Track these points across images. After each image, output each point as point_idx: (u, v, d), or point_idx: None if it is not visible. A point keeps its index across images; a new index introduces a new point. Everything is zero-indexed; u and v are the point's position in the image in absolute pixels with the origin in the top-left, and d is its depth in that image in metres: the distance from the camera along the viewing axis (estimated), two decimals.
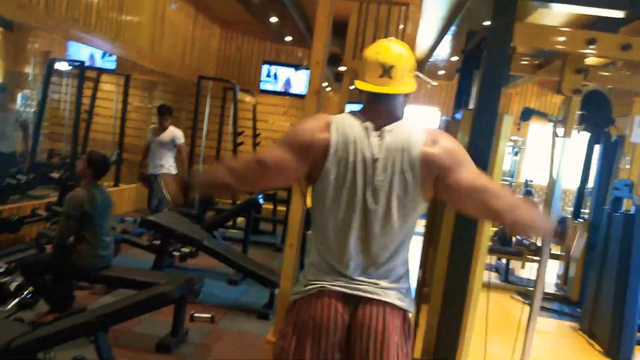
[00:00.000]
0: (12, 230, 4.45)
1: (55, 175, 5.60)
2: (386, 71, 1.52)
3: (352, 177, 1.50)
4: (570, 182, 6.63)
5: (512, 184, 7.17)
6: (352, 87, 1.65)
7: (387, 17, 2.82)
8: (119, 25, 6.17)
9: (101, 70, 7.38)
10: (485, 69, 2.11)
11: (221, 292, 4.45)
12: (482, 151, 2.09)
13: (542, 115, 6.02)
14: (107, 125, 8.02)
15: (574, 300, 5.23)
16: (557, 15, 5.65)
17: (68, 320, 2.53)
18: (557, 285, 5.83)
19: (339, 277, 1.55)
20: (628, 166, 4.72)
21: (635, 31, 4.89)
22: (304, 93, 7.72)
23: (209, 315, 3.78)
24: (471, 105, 2.72)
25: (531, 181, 7.45)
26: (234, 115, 7.88)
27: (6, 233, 4.52)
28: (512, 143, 9.33)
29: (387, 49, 1.54)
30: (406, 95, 1.60)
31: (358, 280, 1.54)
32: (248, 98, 8.56)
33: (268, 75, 8.93)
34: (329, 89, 10.02)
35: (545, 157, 2.63)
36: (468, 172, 1.51)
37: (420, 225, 2.87)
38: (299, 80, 8.81)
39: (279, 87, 8.93)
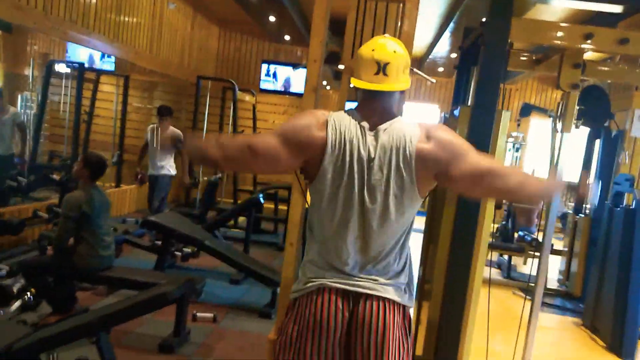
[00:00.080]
0: (14, 232, 4.46)
1: (56, 176, 5.61)
2: (381, 68, 1.52)
3: (349, 176, 1.50)
4: (571, 177, 6.63)
5: None
6: (351, 86, 1.64)
7: (385, 14, 2.81)
8: (117, 26, 6.17)
9: (100, 72, 7.39)
10: (482, 65, 2.11)
11: (223, 291, 4.45)
12: (480, 147, 2.07)
13: (542, 110, 6.02)
14: (107, 126, 8.03)
15: (577, 296, 5.23)
16: (555, 10, 5.65)
17: (70, 321, 2.53)
18: (559, 280, 5.83)
19: (338, 274, 1.55)
20: (627, 160, 4.71)
21: (634, 25, 4.88)
22: (303, 92, 7.76)
23: (211, 315, 3.78)
24: (469, 102, 2.72)
25: None
26: (233, 115, 7.89)
27: (8, 235, 4.53)
28: (512, 139, 9.33)
29: (382, 47, 1.54)
30: (402, 92, 1.61)
31: (357, 277, 1.55)
32: (248, 97, 8.57)
33: (267, 75, 8.93)
34: (328, 87, 10.02)
35: (546, 152, 2.63)
36: (469, 160, 1.50)
37: (421, 222, 2.88)
38: (298, 79, 8.80)
39: (279, 86, 8.93)
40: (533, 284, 2.72)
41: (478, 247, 2.27)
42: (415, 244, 2.97)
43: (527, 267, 6.19)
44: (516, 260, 6.30)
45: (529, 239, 5.68)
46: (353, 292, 1.54)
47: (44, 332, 2.45)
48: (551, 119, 2.68)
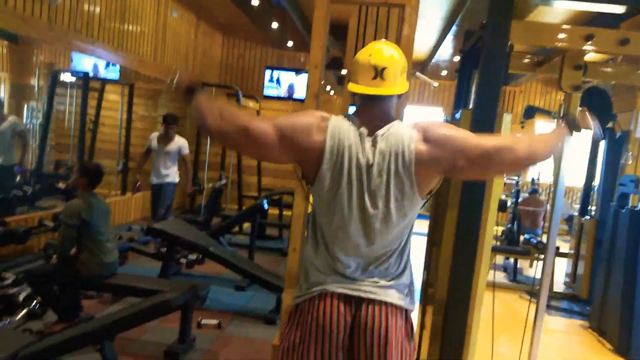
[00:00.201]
0: (20, 241, 4.48)
1: (61, 185, 5.64)
2: (379, 73, 1.53)
3: (348, 182, 1.51)
4: (576, 179, 6.60)
5: (519, 182, 7.13)
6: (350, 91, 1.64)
7: (387, 19, 2.82)
8: (121, 35, 6.22)
9: (105, 81, 7.44)
10: (482, 68, 2.10)
11: (228, 298, 4.45)
12: None
13: (546, 112, 6.00)
14: (113, 134, 8.07)
15: (583, 298, 5.20)
16: (557, 12, 5.64)
17: (74, 329, 2.54)
18: (566, 283, 5.80)
19: (339, 277, 1.56)
20: (630, 161, 4.68)
21: (636, 26, 4.87)
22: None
23: (216, 322, 3.78)
24: (471, 105, 2.71)
25: (538, 179, 7.41)
26: None
27: (14, 244, 4.56)
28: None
29: (379, 51, 1.55)
30: (399, 96, 1.61)
31: (359, 280, 1.55)
32: (252, 104, 8.60)
33: (271, 81, 8.96)
34: (332, 92, 10.05)
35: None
36: (472, 148, 1.50)
37: (424, 226, 2.88)
38: (302, 85, 8.83)
39: (282, 92, 8.96)
40: (538, 287, 2.70)
41: (481, 250, 2.26)
42: (419, 248, 2.97)
43: (533, 270, 6.16)
44: (522, 264, 6.28)
45: (534, 241, 5.65)
46: (355, 297, 1.54)
47: (48, 340, 2.46)
48: (555, 120, 2.67)
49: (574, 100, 2.42)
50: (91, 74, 7.11)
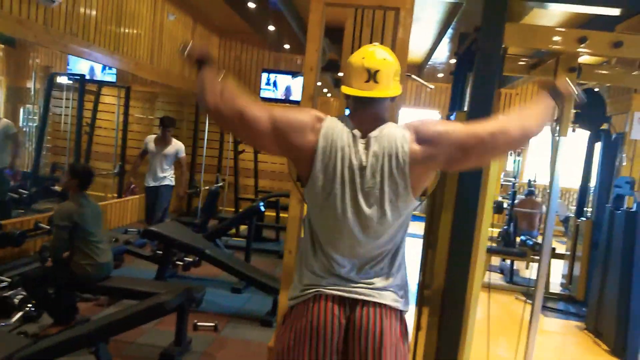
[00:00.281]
0: (15, 244, 4.47)
1: (58, 188, 5.63)
2: (372, 76, 1.54)
3: (341, 184, 1.52)
4: (573, 181, 6.62)
5: (515, 184, 7.15)
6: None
7: (383, 22, 2.83)
8: (117, 38, 6.22)
9: (101, 83, 7.43)
10: (477, 71, 2.11)
11: (224, 300, 4.45)
12: None
13: None
14: (109, 137, 8.06)
15: (580, 300, 5.22)
16: (553, 15, 5.66)
17: (68, 332, 2.54)
18: (562, 284, 5.81)
19: (334, 279, 1.56)
20: (625, 163, 4.70)
21: (631, 28, 4.90)
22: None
23: (212, 324, 3.78)
24: (466, 107, 2.72)
25: (534, 181, 7.43)
26: None
27: (9, 247, 4.54)
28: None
29: (372, 54, 1.56)
30: (393, 99, 1.62)
31: (354, 282, 1.55)
32: None
33: (267, 84, 8.97)
34: (329, 95, 10.06)
35: (546, 156, 2.63)
36: (465, 138, 1.51)
37: (420, 228, 2.88)
38: (298, 87, 8.84)
39: (279, 94, 8.97)
40: (534, 288, 2.71)
41: (476, 251, 2.27)
42: (415, 250, 2.97)
43: (529, 271, 6.17)
44: (519, 265, 6.29)
45: (530, 243, 5.66)
46: (349, 299, 1.54)
47: (43, 343, 2.46)
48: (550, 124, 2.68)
49: (567, 102, 2.43)
50: (88, 77, 7.10)
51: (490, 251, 5.70)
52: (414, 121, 1.57)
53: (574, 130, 2.52)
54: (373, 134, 1.53)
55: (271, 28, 7.69)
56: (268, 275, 4.37)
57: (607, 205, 4.47)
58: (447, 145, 1.50)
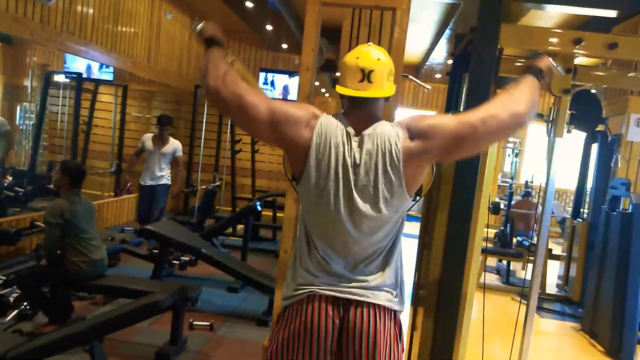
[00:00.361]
0: (11, 242, 4.46)
1: (54, 186, 5.61)
2: (366, 76, 1.55)
3: (334, 181, 1.52)
4: (570, 182, 6.64)
5: (513, 185, 7.17)
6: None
7: (380, 22, 2.84)
8: (114, 37, 6.21)
9: (99, 82, 7.42)
10: (472, 72, 2.11)
11: (221, 299, 4.45)
12: None
13: (539, 116, 6.02)
14: (106, 136, 8.06)
15: (576, 301, 5.23)
16: (551, 16, 5.68)
17: (63, 330, 2.53)
18: (558, 286, 5.82)
19: (328, 278, 1.56)
20: (620, 163, 4.71)
21: (628, 30, 4.92)
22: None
23: (208, 323, 3.78)
24: (462, 109, 2.72)
25: (531, 182, 7.44)
26: (231, 123, 7.91)
27: (5, 245, 4.54)
28: (511, 144, 9.35)
29: (366, 54, 1.57)
30: (387, 99, 1.62)
31: (348, 281, 1.55)
32: None
33: (265, 83, 8.97)
34: (327, 95, 10.06)
35: (544, 157, 2.64)
36: (458, 127, 1.51)
37: (416, 228, 2.89)
38: (296, 87, 8.84)
39: (277, 94, 8.96)
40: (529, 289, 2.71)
41: (471, 252, 2.27)
42: (411, 250, 2.97)
43: (526, 272, 6.19)
44: (515, 266, 6.30)
45: (527, 244, 5.67)
46: (343, 299, 1.54)
47: (37, 341, 2.45)
48: (545, 124, 2.68)
49: (563, 104, 2.44)
50: (85, 75, 7.09)
51: (487, 252, 5.71)
52: (406, 118, 1.58)
53: (569, 131, 2.52)
54: (366, 132, 1.54)
55: (269, 27, 7.69)
56: (264, 275, 4.37)
57: (603, 207, 4.48)
58: (440, 137, 1.51)
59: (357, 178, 1.51)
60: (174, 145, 5.58)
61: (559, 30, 2.22)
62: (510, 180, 7.64)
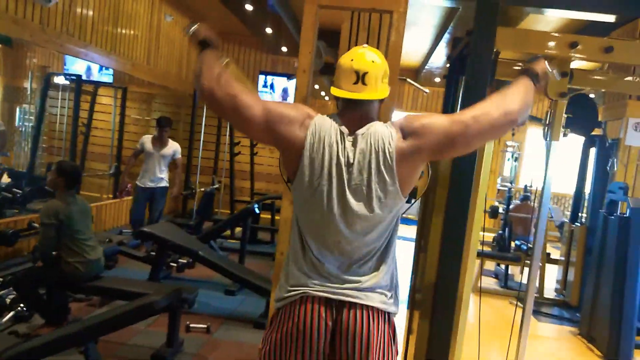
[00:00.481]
0: (8, 244, 4.46)
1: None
2: (360, 78, 1.55)
3: (328, 180, 1.52)
4: (569, 186, 6.64)
5: (511, 189, 7.16)
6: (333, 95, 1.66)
7: (379, 25, 2.84)
8: (114, 39, 6.22)
9: (98, 84, 7.43)
10: (468, 75, 2.12)
11: (218, 302, 4.44)
12: (467, 155, 2.09)
13: (537, 120, 6.04)
14: (105, 138, 8.06)
15: (574, 305, 5.22)
16: (550, 20, 5.69)
17: (57, 332, 2.53)
18: (556, 290, 5.82)
19: (321, 279, 1.55)
20: (616, 168, 4.71)
21: (626, 34, 4.93)
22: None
23: (205, 326, 3.77)
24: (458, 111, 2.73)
25: (530, 186, 7.44)
26: (230, 126, 7.91)
27: (2, 246, 4.53)
28: (510, 149, 9.35)
29: (361, 56, 1.57)
30: (381, 101, 1.63)
31: (341, 282, 1.55)
32: None
33: (265, 86, 8.98)
34: (327, 98, 10.07)
35: (542, 161, 2.64)
36: (451, 124, 1.52)
37: (412, 231, 2.89)
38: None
39: (276, 96, 8.97)
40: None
41: (467, 255, 2.27)
42: (407, 253, 2.97)
43: (523, 276, 6.18)
44: (513, 270, 6.29)
45: (525, 248, 5.66)
46: (336, 300, 1.53)
47: (32, 342, 2.45)
48: (542, 127, 2.69)
49: (559, 107, 2.44)
50: (85, 77, 7.10)
51: (485, 256, 5.70)
52: (399, 119, 1.59)
53: (565, 135, 2.52)
54: (360, 131, 1.54)
55: (268, 30, 7.70)
56: (262, 278, 4.36)
57: (601, 211, 4.48)
58: (432, 135, 1.51)
59: (351, 177, 1.52)
60: (174, 147, 5.58)
61: (555, 34, 2.23)
62: (509, 185, 7.63)
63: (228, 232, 6.59)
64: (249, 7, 6.58)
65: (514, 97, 1.58)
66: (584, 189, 5.62)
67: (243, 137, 8.41)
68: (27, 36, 4.72)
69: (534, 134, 9.79)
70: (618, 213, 4.24)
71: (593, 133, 4.72)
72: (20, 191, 5.78)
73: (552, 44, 2.18)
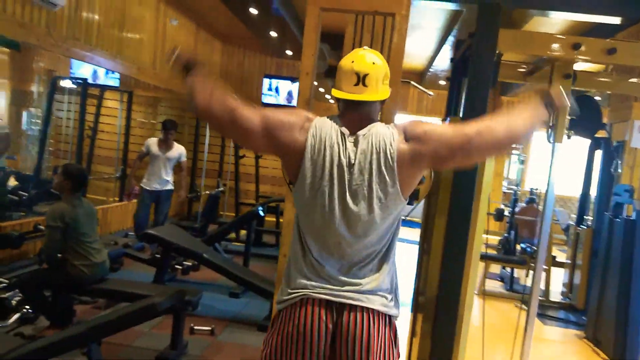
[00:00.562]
0: (14, 246, 4.49)
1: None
2: (361, 79, 1.56)
3: (329, 181, 1.52)
4: (575, 189, 6.60)
5: (517, 192, 7.13)
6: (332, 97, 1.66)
7: (383, 28, 2.84)
8: (120, 43, 6.25)
9: (104, 87, 7.46)
10: (471, 76, 2.12)
11: (222, 304, 4.44)
12: None
13: None
14: (112, 141, 8.10)
15: (580, 308, 5.19)
16: (555, 22, 5.67)
17: (60, 333, 2.54)
18: (563, 293, 5.78)
19: (322, 281, 1.55)
20: (620, 170, 4.68)
21: (632, 36, 4.91)
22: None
23: (209, 328, 3.78)
24: (461, 113, 2.72)
25: (536, 189, 7.40)
26: None
27: (8, 248, 4.56)
28: (517, 152, 9.31)
29: (362, 58, 1.58)
30: (382, 102, 1.63)
31: (341, 284, 1.55)
32: None
33: (269, 89, 9.00)
34: (332, 101, 10.08)
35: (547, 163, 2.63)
36: (452, 135, 1.52)
37: (416, 234, 2.88)
38: None
39: (281, 100, 8.99)
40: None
41: (470, 258, 2.26)
42: (411, 256, 2.97)
43: (529, 279, 6.15)
44: (519, 273, 6.26)
45: (530, 251, 5.64)
46: (336, 303, 1.53)
47: (35, 343, 2.46)
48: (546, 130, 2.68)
49: (563, 109, 2.43)
50: (91, 81, 7.14)
51: (490, 259, 5.68)
52: (403, 122, 1.59)
53: (569, 137, 2.52)
54: (362, 132, 1.54)
55: (273, 34, 7.73)
56: (266, 280, 4.36)
57: (607, 214, 4.45)
58: (434, 143, 1.51)
59: (352, 177, 1.52)
60: (179, 150, 5.61)
61: (558, 35, 2.22)
62: (515, 187, 7.59)
63: (233, 235, 6.60)
64: (253, 11, 6.60)
65: (522, 119, 1.57)
66: (590, 192, 5.59)
67: None
68: (34, 40, 4.76)
69: (540, 136, 9.75)
70: (624, 216, 4.21)
71: (598, 135, 4.70)
72: (26, 194, 5.81)
73: (554, 45, 2.18)
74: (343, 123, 1.57)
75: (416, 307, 2.82)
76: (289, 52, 8.82)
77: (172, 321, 3.26)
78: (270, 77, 9.13)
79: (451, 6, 4.87)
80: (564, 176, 2.54)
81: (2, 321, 3.43)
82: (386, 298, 1.58)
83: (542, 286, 5.38)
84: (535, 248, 5.73)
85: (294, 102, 8.90)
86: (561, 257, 6.31)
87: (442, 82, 9.90)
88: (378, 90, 1.58)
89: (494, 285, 6.04)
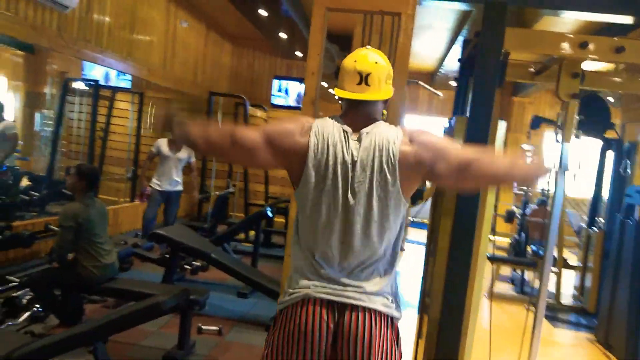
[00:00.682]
0: (25, 245, 4.54)
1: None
2: (363, 79, 1.56)
3: (333, 180, 1.52)
4: (585, 190, 6.53)
5: (528, 193, 7.07)
6: (336, 97, 1.66)
7: (392, 28, 2.83)
8: (130, 45, 6.30)
9: (115, 89, 7.53)
10: (477, 75, 2.11)
11: (231, 304, 4.46)
12: None
13: (553, 123, 5.95)
14: (123, 142, 8.17)
15: (591, 312, 5.13)
16: (566, 22, 5.62)
17: (67, 331, 2.56)
18: (574, 296, 5.72)
19: (324, 282, 1.55)
20: (629, 170, 4.62)
21: None
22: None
23: (217, 328, 3.79)
24: (468, 112, 2.71)
25: (547, 190, 7.33)
26: None
27: (20, 248, 4.62)
28: (528, 153, 9.22)
29: (364, 58, 1.58)
30: (385, 102, 1.63)
31: (343, 284, 1.54)
32: (259, 113, 8.65)
33: (279, 90, 9.03)
34: (341, 102, 10.07)
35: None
36: (453, 154, 1.52)
37: (423, 236, 2.87)
38: None
39: (290, 101, 9.01)
40: (548, 300, 2.67)
41: (476, 259, 2.24)
42: (418, 257, 2.95)
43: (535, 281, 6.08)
44: (530, 275, 6.21)
45: (541, 253, 5.58)
46: (338, 303, 1.53)
47: (42, 341, 2.48)
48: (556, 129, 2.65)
49: (571, 109, 2.41)
50: (103, 82, 7.21)
51: (500, 261, 5.64)
52: (409, 127, 1.59)
53: (577, 137, 2.49)
54: (365, 130, 1.55)
55: (283, 35, 7.75)
56: (274, 281, 4.36)
57: (618, 215, 4.39)
58: (434, 154, 1.51)
59: (354, 175, 1.52)
60: (189, 150, 5.63)
61: (565, 34, 2.20)
62: (526, 189, 7.52)
63: (242, 235, 6.61)
64: (263, 12, 6.63)
65: (526, 170, 1.57)
66: (602, 194, 5.52)
67: None
68: (45, 42, 4.82)
69: (551, 137, 9.66)
70: (636, 217, 4.15)
71: (610, 136, 4.64)
72: (38, 194, 5.88)
73: (562, 44, 2.15)
74: (345, 122, 1.57)
75: (422, 308, 2.80)
76: (298, 53, 8.84)
77: (179, 320, 3.28)
78: (280, 78, 9.16)
79: (460, 6, 4.86)
80: (576, 177, 2.51)
81: (12, 319, 3.47)
82: (387, 299, 1.58)
83: (553, 289, 5.33)
84: None
85: None
86: (573, 260, 6.24)
87: (453, 83, 9.83)
88: (380, 90, 1.58)
89: (504, 288, 6.00)
